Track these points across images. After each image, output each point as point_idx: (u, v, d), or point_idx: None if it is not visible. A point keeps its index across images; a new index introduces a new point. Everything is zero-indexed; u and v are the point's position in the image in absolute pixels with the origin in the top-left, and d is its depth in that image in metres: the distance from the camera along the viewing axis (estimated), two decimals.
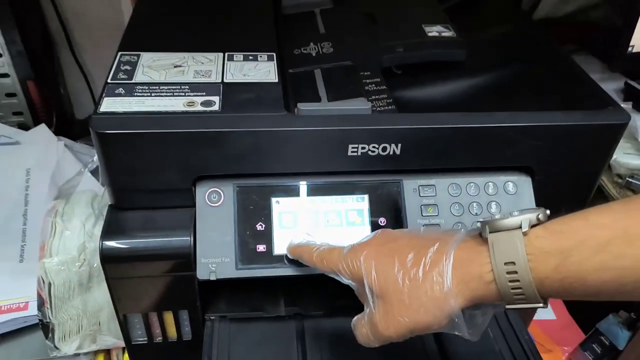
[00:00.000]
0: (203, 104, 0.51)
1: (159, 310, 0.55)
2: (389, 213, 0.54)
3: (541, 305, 0.38)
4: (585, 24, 1.04)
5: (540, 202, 0.56)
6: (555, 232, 0.37)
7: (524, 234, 0.38)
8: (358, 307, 0.60)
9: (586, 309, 0.85)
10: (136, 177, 0.50)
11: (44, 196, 0.78)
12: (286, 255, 0.52)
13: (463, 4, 0.78)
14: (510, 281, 0.37)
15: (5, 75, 0.87)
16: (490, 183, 0.55)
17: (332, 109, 0.52)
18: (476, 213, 0.54)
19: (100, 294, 0.59)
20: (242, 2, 0.71)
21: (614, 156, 0.75)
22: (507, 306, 0.39)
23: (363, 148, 0.50)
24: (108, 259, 0.50)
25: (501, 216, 0.40)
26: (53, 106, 0.95)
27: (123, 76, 0.54)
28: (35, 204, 0.78)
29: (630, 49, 0.84)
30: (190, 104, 0.50)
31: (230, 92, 0.52)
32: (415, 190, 0.55)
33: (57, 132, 0.90)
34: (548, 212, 0.39)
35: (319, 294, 0.61)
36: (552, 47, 0.66)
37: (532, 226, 0.38)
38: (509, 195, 0.55)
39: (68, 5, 0.95)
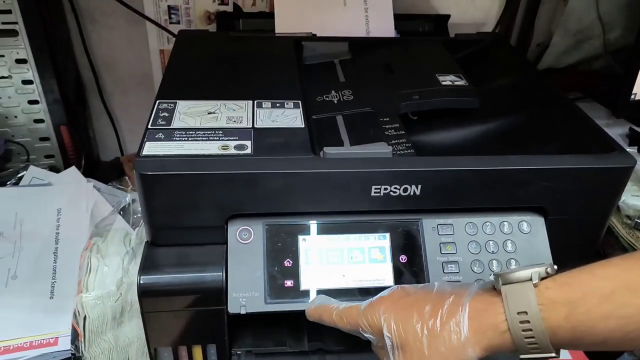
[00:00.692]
0: (236, 147, 0.55)
1: (188, 344, 0.57)
2: (410, 251, 0.57)
3: (553, 355, 0.41)
4: (588, 73, 1.10)
5: (553, 241, 0.58)
6: (564, 284, 0.41)
7: (535, 285, 0.41)
8: None
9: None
10: (174, 215, 0.53)
11: (74, 235, 0.82)
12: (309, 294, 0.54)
13: (473, 55, 0.83)
14: (523, 330, 0.40)
15: (41, 121, 0.92)
16: (505, 222, 0.58)
17: (356, 152, 0.55)
18: (492, 251, 0.57)
19: (131, 329, 0.62)
20: (268, 53, 0.77)
21: (623, 198, 0.78)
22: (522, 356, 0.41)
23: (385, 189, 0.54)
24: (145, 293, 0.53)
25: (512, 269, 0.43)
26: (82, 149, 0.99)
27: (162, 122, 0.58)
28: (65, 242, 0.82)
29: (633, 96, 0.89)
30: (225, 147, 0.54)
31: (261, 136, 0.56)
32: (434, 229, 0.57)
33: (85, 174, 0.95)
34: (556, 267, 0.42)
35: (339, 331, 0.63)
36: (558, 95, 0.70)
37: (542, 279, 0.42)
38: (524, 234, 0.58)
39: (100, 56, 1.02)
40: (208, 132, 0.56)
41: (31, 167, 0.93)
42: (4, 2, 0.80)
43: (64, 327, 0.69)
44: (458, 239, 0.57)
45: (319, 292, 0.55)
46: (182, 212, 0.53)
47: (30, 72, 0.87)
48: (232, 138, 0.56)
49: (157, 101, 0.62)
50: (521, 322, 0.40)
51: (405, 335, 0.43)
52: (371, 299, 0.48)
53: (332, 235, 0.57)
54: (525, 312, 0.40)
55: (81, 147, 1.00)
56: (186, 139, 0.55)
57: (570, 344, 0.40)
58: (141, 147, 0.54)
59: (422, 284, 0.49)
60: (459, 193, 0.56)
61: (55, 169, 0.96)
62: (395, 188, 0.54)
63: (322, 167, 0.53)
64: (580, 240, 0.61)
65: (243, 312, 0.53)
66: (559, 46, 1.04)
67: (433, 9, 1.02)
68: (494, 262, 0.57)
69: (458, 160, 0.55)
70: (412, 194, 0.54)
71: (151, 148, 0.54)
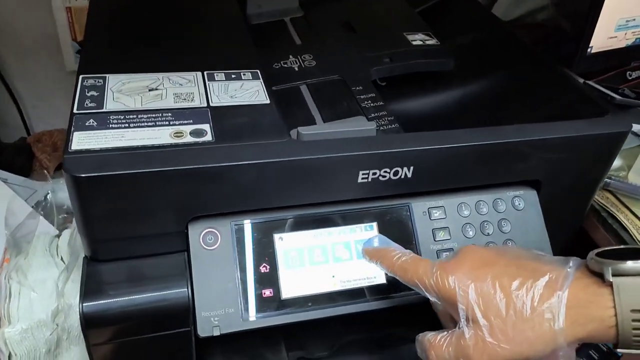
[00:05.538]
0: (193, 133, 0.44)
1: None
2: (401, 240, 0.49)
3: None
4: (534, 26, 1.06)
5: (543, 212, 0.54)
6: None
7: None
8: (363, 344, 0.56)
9: None
10: (120, 224, 0.42)
11: None
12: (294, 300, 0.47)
13: (434, 7, 0.76)
14: (634, 328, 0.36)
15: None
16: (498, 200, 0.53)
17: (336, 132, 0.47)
18: (488, 233, 0.52)
19: None
20: (207, 11, 0.64)
21: None
22: (619, 350, 0.37)
23: (374, 174, 0.46)
24: (91, 322, 0.42)
25: (623, 261, 0.37)
26: None
27: (91, 104, 0.46)
28: None
29: (589, 49, 0.86)
30: (178, 134, 0.44)
31: (220, 117, 0.46)
32: (425, 214, 0.51)
33: None
34: None
35: (320, 334, 0.56)
36: (533, 52, 0.65)
37: None
38: (518, 211, 0.53)
39: None
40: (154, 116, 0.45)
41: None
42: None
43: None
44: (451, 223, 0.51)
45: (301, 299, 0.47)
46: (129, 219, 0.42)
47: None
48: (185, 122, 0.45)
49: (80, 76, 0.49)
50: (634, 320, 0.36)
51: (486, 312, 0.39)
52: (443, 259, 0.43)
53: (312, 231, 0.48)
54: None
55: None
56: (127, 125, 0.44)
57: None
58: (69, 139, 0.42)
59: (497, 247, 0.46)
60: (452, 171, 0.49)
61: None
62: (385, 172, 0.46)
63: (301, 153, 0.44)
64: (569, 211, 0.58)
65: (217, 333, 0.44)
66: None
67: None
68: (491, 245, 0.52)
69: (453, 135, 0.48)
70: (402, 177, 0.47)
71: (82, 140, 0.42)
